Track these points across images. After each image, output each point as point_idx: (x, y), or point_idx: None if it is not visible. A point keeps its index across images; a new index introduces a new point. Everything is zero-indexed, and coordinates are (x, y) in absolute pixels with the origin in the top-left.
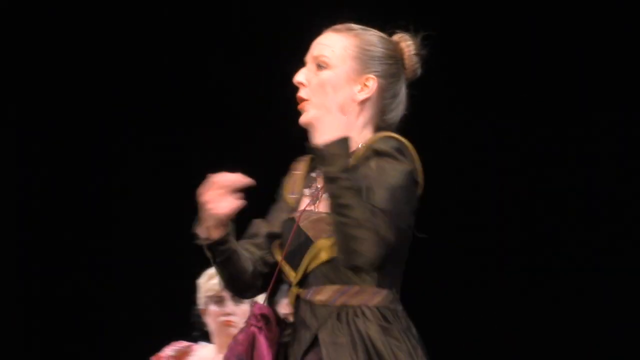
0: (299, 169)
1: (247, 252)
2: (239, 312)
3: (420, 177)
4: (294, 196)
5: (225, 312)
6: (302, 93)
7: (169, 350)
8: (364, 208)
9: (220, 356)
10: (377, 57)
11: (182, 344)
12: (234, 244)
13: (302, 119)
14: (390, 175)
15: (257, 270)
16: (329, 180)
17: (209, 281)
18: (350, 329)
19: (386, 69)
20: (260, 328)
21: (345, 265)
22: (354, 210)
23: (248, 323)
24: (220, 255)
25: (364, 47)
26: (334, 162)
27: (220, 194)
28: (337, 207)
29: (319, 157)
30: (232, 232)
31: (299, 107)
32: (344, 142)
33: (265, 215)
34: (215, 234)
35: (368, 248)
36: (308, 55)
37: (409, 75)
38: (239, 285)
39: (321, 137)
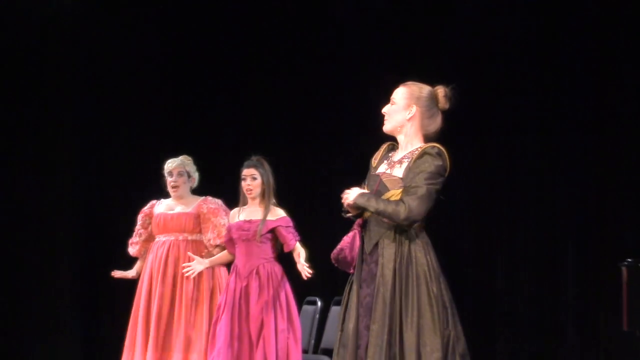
0: (382, 149)
1: None
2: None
3: (447, 169)
4: (376, 161)
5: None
6: (384, 111)
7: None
8: (388, 206)
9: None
10: (418, 97)
11: None
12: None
13: (384, 128)
14: (429, 165)
15: None
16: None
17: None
18: (396, 235)
19: (424, 103)
20: (359, 231)
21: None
22: (385, 211)
23: (353, 228)
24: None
25: (411, 92)
26: (369, 205)
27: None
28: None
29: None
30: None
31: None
32: (364, 196)
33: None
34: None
35: (402, 218)
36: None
37: (440, 107)
38: None
39: (388, 128)
